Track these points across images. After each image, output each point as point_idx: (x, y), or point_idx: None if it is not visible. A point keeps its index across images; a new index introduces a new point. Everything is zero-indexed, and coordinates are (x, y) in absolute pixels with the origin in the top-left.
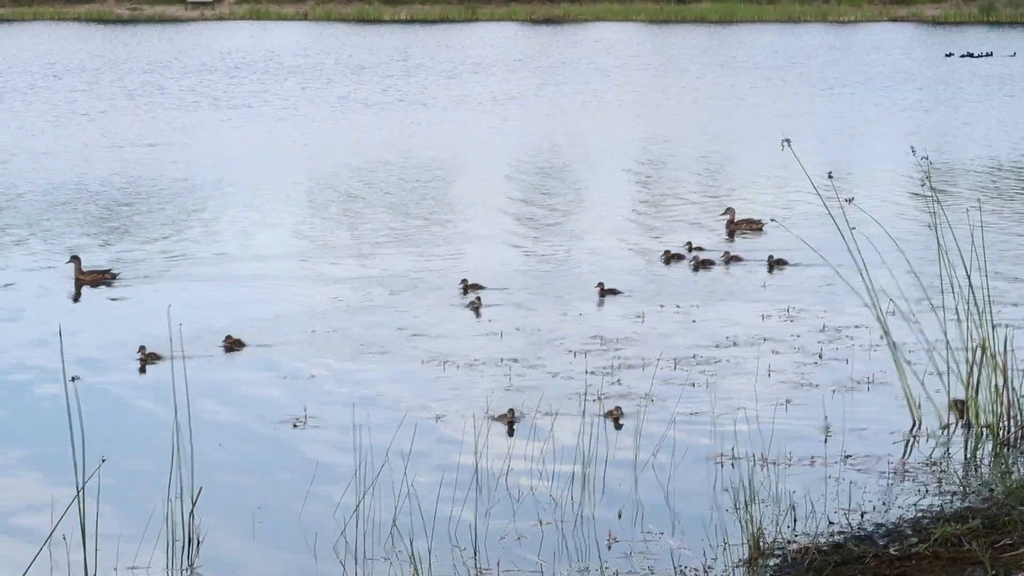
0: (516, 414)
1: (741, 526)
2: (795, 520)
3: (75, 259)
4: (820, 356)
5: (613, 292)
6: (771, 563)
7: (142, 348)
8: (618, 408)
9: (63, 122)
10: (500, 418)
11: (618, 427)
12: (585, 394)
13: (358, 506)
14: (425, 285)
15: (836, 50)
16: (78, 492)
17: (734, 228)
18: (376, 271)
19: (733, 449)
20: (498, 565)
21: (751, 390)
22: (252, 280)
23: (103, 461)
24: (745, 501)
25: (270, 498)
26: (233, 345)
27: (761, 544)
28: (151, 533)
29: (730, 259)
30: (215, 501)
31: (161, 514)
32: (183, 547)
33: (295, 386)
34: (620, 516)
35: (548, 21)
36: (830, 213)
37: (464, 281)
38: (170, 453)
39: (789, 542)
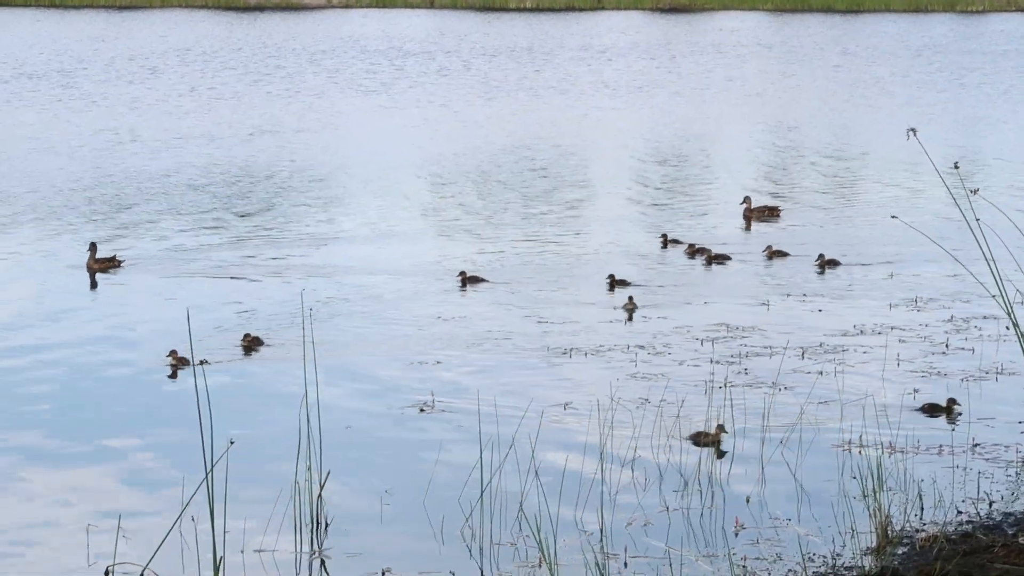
0: (723, 432)
1: (869, 514)
2: (923, 509)
3: (93, 246)
4: (947, 346)
5: (623, 283)
6: (899, 551)
7: (173, 352)
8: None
9: (201, 107)
10: (701, 436)
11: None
12: (712, 382)
13: (484, 491)
14: (552, 271)
15: (967, 39)
16: (207, 474)
17: (751, 215)
18: (502, 257)
19: (861, 437)
20: (625, 551)
21: (879, 378)
22: (379, 264)
23: (231, 443)
24: (873, 489)
25: (397, 482)
26: (252, 344)
27: (889, 532)
28: (278, 515)
29: (773, 254)
30: (342, 484)
31: (288, 496)
32: (311, 530)
33: (422, 371)
34: (748, 502)
35: (674, 10)
36: (956, 203)
37: (463, 273)
38: (297, 436)
39: (917, 531)
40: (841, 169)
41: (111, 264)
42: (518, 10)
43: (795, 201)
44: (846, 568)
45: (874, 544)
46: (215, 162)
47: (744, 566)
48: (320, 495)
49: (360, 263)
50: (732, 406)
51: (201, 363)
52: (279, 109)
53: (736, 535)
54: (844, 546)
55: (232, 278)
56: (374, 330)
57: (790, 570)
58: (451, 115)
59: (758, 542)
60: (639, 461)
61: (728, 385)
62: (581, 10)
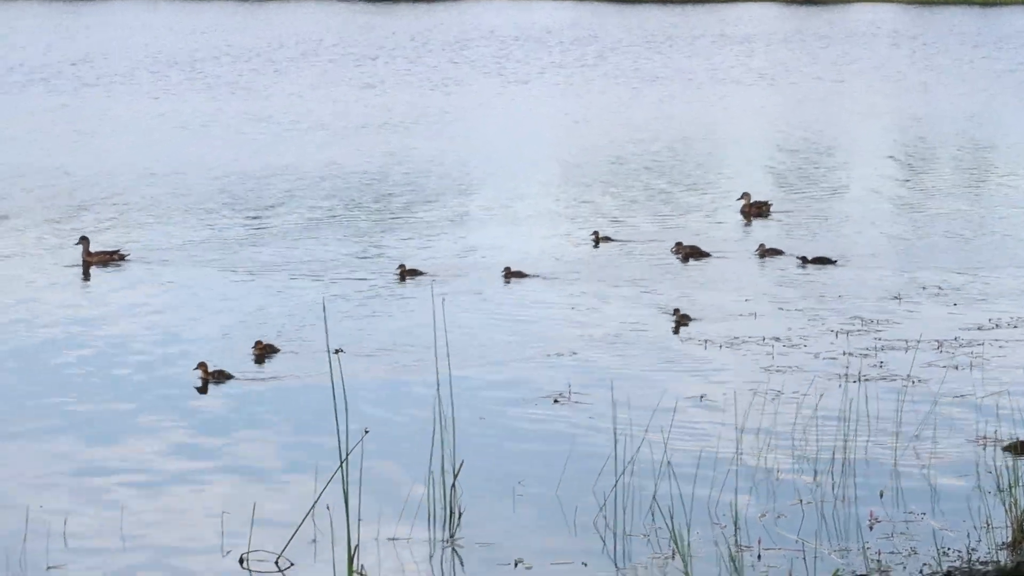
0: None
1: (1004, 509)
2: None
3: (84, 240)
4: None
5: (519, 275)
6: None
7: (202, 365)
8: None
9: (345, 97)
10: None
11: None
12: (846, 375)
13: (617, 482)
14: (689, 266)
15: None
16: (341, 463)
17: (749, 211)
18: (634, 248)
19: (996, 431)
20: (759, 543)
21: (1015, 372)
22: (514, 255)
23: (366, 432)
24: (1009, 484)
25: (530, 472)
26: (264, 351)
27: None
28: (412, 504)
29: (765, 252)
30: (476, 474)
31: (422, 486)
32: (444, 519)
33: (557, 363)
34: (882, 496)
35: (809, 2)
36: None
37: (401, 267)
38: (430, 426)
39: None
40: (978, 163)
41: (111, 257)
42: (650, 2)
43: (929, 194)
44: (981, 563)
45: (1009, 539)
46: (365, 152)
47: (878, 560)
48: (454, 484)
49: (494, 254)
50: (867, 399)
51: (336, 352)
52: (421, 99)
53: (871, 528)
54: (980, 540)
55: (343, 270)
56: (508, 323)
57: (925, 564)
58: (591, 105)
59: (892, 536)
60: (773, 453)
61: (863, 379)
62: (712, 2)
